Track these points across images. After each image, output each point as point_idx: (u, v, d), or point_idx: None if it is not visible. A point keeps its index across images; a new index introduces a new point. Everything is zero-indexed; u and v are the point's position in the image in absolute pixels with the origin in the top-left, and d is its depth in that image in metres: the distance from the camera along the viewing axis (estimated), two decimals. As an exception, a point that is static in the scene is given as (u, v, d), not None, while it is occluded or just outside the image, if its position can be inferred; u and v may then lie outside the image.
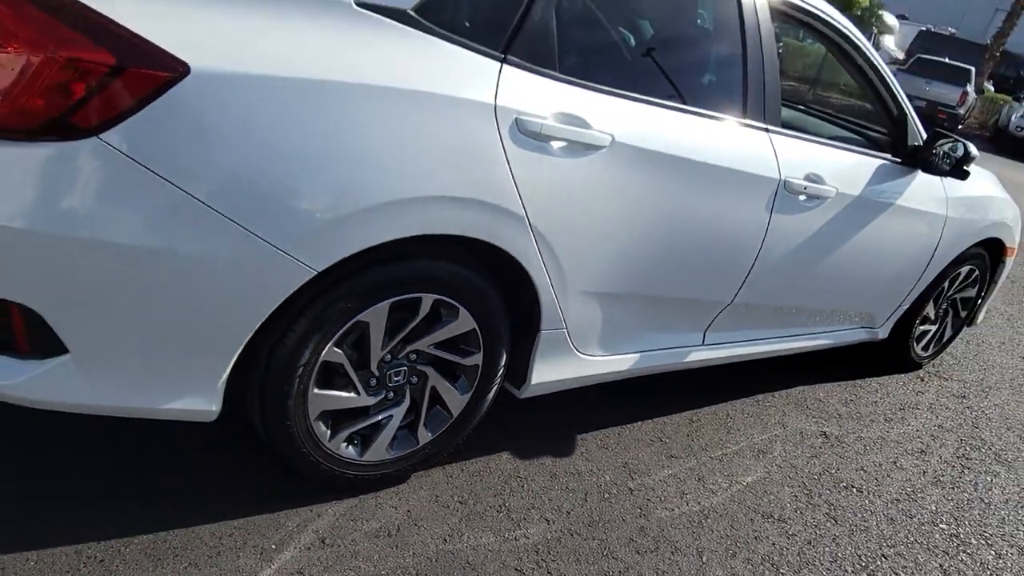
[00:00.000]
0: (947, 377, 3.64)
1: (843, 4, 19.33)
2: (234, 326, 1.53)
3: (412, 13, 1.60)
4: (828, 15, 2.53)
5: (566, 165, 1.82)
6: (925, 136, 2.80)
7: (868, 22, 20.40)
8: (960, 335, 3.91)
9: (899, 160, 2.81)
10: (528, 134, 1.72)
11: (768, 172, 2.27)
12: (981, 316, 3.82)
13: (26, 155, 1.30)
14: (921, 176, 2.86)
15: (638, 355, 2.33)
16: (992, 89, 24.45)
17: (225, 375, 1.58)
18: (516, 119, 1.70)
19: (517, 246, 1.80)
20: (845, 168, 2.57)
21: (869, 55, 2.68)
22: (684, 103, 2.11)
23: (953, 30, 31.73)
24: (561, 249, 1.88)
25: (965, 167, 2.81)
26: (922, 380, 3.54)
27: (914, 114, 2.84)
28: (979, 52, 23.19)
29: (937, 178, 2.94)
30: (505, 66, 1.72)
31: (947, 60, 18.58)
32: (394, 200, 1.56)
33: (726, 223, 2.24)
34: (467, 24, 1.70)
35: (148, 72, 1.31)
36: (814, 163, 2.43)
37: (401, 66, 1.57)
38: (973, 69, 18.56)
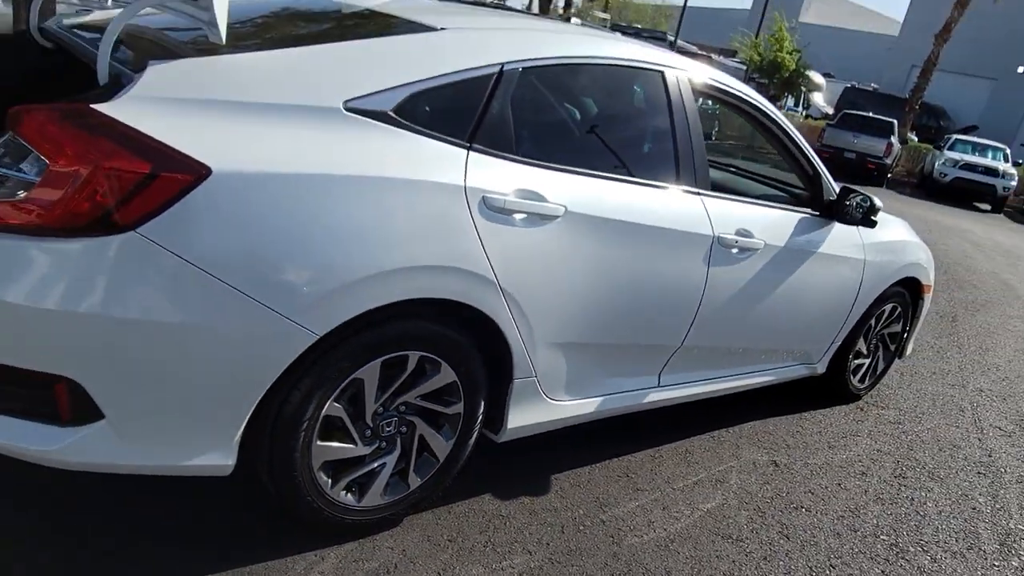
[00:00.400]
0: (884, 406, 3.97)
1: (772, 66, 20.61)
2: (248, 387, 1.75)
3: (392, 114, 1.90)
4: (744, 93, 2.92)
5: (527, 234, 2.11)
6: (837, 191, 3.19)
7: (796, 82, 21.71)
8: (893, 367, 4.26)
9: (817, 213, 3.18)
10: (494, 209, 2.02)
11: (703, 230, 2.60)
12: (910, 348, 4.19)
13: (73, 249, 1.54)
14: (839, 226, 3.24)
15: (602, 398, 2.59)
16: (916, 139, 26.11)
17: (239, 432, 1.79)
18: (483, 197, 2.00)
19: (490, 306, 2.07)
20: (771, 223, 2.93)
21: (783, 125, 3.07)
22: (626, 174, 2.44)
23: (875, 85, 33.91)
24: (528, 306, 2.15)
25: (872, 216, 3.20)
26: (861, 410, 3.86)
27: (826, 172, 3.23)
28: (901, 105, 24.85)
29: (854, 227, 3.32)
30: (471, 152, 2.03)
31: (871, 114, 19.88)
32: (383, 271, 1.82)
33: (670, 276, 2.55)
34: (438, 119, 2.00)
35: (177, 176, 1.57)
36: (743, 220, 2.77)
37: (385, 158, 1.86)
38: (896, 122, 19.85)
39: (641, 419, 2.97)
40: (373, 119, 1.87)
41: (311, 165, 1.73)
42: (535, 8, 24.24)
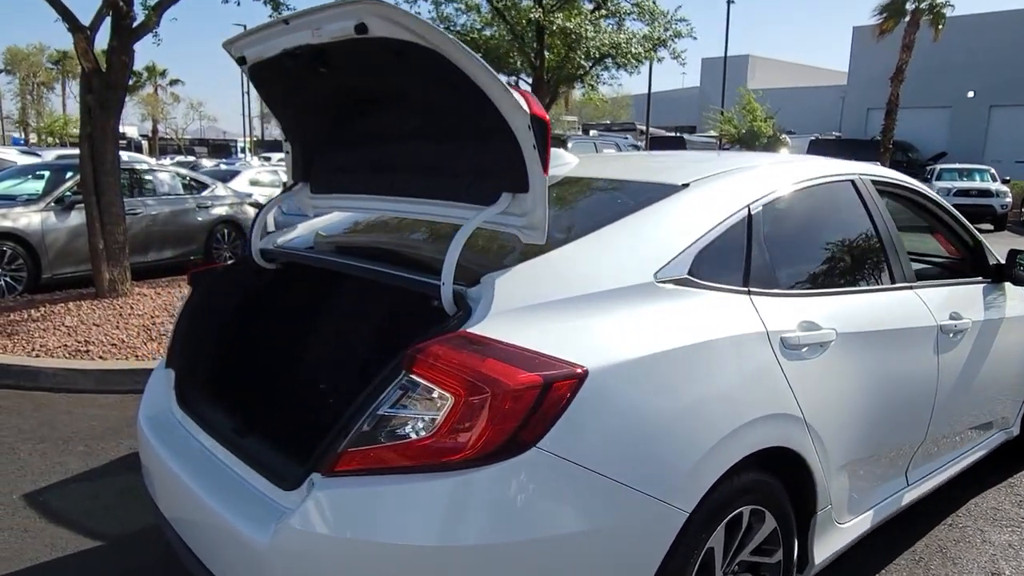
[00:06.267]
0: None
1: (750, 135, 21.42)
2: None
3: (689, 276, 1.94)
4: (907, 183, 3.02)
5: (813, 364, 2.11)
6: (1002, 256, 3.24)
7: (776, 147, 22.57)
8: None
9: (989, 280, 3.22)
10: (789, 347, 2.03)
11: (928, 322, 2.62)
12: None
13: (483, 477, 1.51)
14: (1010, 288, 3.27)
15: (873, 510, 2.52)
16: (895, 175, 26.97)
17: None
18: (781, 338, 2.01)
19: (799, 443, 2.04)
20: (967, 299, 2.96)
21: (941, 202, 3.16)
22: (861, 284, 2.49)
23: (838, 134, 35.25)
24: (824, 435, 2.12)
25: (1047, 273, 3.23)
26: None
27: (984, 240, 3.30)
28: (867, 148, 25.73)
29: (1019, 287, 3.34)
30: (752, 297, 2.05)
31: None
32: (727, 434, 1.80)
33: (915, 373, 2.55)
34: (718, 273, 2.03)
35: (564, 383, 1.57)
36: (949, 303, 2.79)
37: (703, 321, 1.87)
38: (878, 163, 20.50)
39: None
40: (677, 285, 1.90)
41: (655, 344, 1.74)
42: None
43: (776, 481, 2.05)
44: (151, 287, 7.09)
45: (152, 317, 5.89)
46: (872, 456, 2.43)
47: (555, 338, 1.64)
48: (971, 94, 34.90)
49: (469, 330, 1.60)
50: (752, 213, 2.19)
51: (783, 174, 2.42)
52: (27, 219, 7.23)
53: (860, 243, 2.62)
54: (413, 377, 1.55)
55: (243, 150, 44.40)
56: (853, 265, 2.58)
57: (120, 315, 5.91)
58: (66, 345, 5.13)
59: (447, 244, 1.76)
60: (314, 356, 2.70)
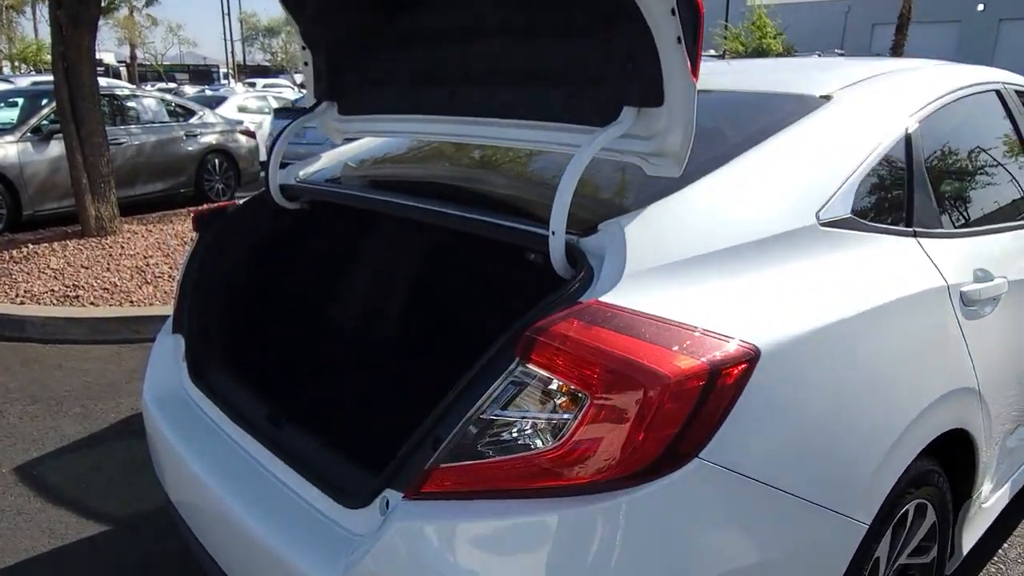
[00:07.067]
0: None
1: (758, 53, 20.56)
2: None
3: (854, 216, 1.49)
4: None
5: (986, 323, 1.70)
6: None
7: (783, 64, 21.69)
8: None
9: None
10: (968, 303, 1.61)
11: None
12: None
13: (628, 502, 1.09)
14: None
15: (1008, 484, 2.16)
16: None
17: None
18: (961, 293, 1.59)
19: (972, 422, 1.65)
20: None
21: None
22: (1018, 219, 2.04)
23: (840, 51, 34.03)
24: (993, 407, 1.73)
25: None
26: None
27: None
28: (877, 64, 24.69)
29: None
30: (920, 240, 1.62)
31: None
32: (912, 420, 1.40)
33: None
34: (881, 211, 1.59)
35: (734, 368, 1.14)
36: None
37: (879, 275, 1.45)
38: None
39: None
40: (842, 228, 1.46)
41: (832, 311, 1.31)
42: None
43: (939, 468, 1.66)
44: (141, 224, 6.56)
45: (145, 258, 5.41)
46: (1020, 424, 2.05)
47: (709, 307, 1.20)
48: (981, 7, 33.56)
49: (600, 299, 1.16)
50: (910, 132, 1.72)
51: (930, 81, 1.94)
52: (3, 151, 6.64)
53: (1014, 167, 2.15)
54: (530, 368, 1.11)
55: (227, 76, 42.75)
56: (1010, 195, 2.12)
57: (110, 256, 5.43)
58: (53, 290, 4.67)
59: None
60: (359, 322, 2.26)
